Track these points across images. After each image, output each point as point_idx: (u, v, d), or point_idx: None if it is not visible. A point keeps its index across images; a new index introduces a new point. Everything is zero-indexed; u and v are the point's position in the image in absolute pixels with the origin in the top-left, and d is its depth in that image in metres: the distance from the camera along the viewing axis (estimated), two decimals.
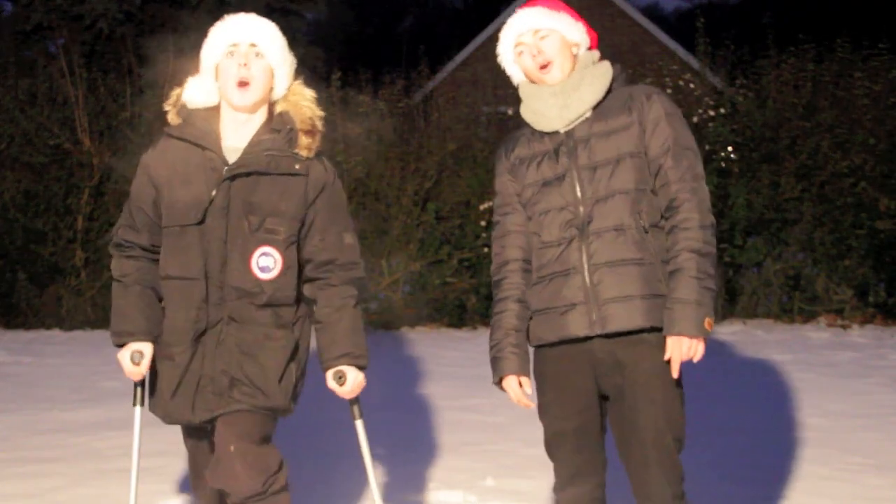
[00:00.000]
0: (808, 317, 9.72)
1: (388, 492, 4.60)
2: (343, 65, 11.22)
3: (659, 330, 3.08)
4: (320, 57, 17.08)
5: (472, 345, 8.70)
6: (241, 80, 3.14)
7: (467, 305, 9.64)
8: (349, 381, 3.24)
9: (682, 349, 3.02)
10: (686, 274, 3.01)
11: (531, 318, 3.26)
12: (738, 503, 4.65)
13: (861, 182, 9.61)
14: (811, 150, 9.72)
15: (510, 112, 10.95)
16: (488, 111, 11.31)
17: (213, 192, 3.14)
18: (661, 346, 3.07)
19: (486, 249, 9.59)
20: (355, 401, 3.32)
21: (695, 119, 10.13)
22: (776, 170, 9.71)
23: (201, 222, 3.14)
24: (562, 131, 3.18)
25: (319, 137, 3.23)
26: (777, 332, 9.26)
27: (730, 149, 9.96)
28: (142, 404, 3.30)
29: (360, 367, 3.26)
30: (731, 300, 9.79)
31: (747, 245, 9.70)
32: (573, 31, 3.23)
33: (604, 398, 3.22)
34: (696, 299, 2.99)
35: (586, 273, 3.10)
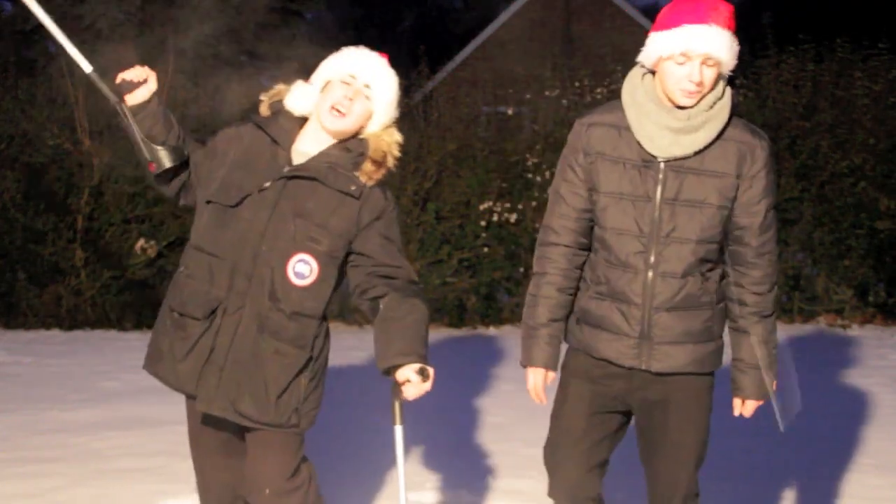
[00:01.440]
0: (808, 317, 9.73)
1: (387, 492, 4.60)
2: None
3: (705, 373, 3.14)
4: (320, 57, 17.08)
5: (472, 345, 8.70)
6: (339, 109, 3.20)
7: (467, 305, 9.64)
8: (430, 381, 3.16)
9: (749, 409, 3.18)
10: (756, 340, 3.10)
11: (577, 320, 3.19)
12: (737, 503, 4.65)
13: (861, 182, 9.61)
14: (811, 150, 9.72)
15: (510, 112, 10.96)
16: (488, 111, 11.31)
17: (266, 185, 3.18)
18: (704, 382, 3.14)
19: (486, 249, 9.59)
20: (400, 404, 3.24)
21: None
22: (776, 170, 9.71)
23: (236, 206, 3.18)
24: (660, 158, 3.03)
25: (384, 172, 3.29)
26: (777, 332, 9.25)
27: None
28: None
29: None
30: None
31: None
32: (733, 59, 3.01)
33: (625, 416, 3.23)
34: (766, 365, 3.11)
35: (646, 311, 3.06)
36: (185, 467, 5.00)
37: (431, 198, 9.66)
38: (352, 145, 3.27)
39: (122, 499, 4.60)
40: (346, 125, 3.23)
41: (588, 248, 3.18)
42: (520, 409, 6.21)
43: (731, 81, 3.08)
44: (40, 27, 14.81)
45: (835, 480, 4.91)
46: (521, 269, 9.62)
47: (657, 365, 3.07)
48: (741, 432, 5.73)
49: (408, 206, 9.51)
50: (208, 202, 3.25)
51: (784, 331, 9.26)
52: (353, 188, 3.22)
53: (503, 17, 21.78)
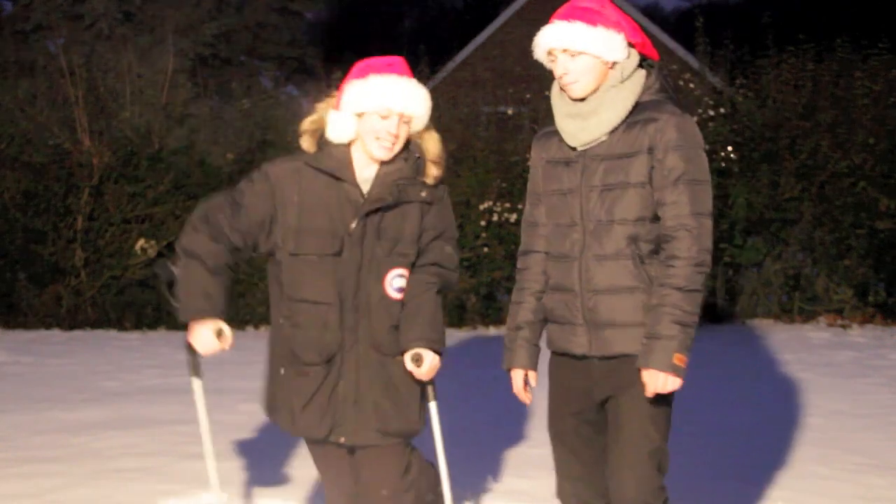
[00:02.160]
0: (808, 317, 9.73)
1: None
2: (343, 65, 11.21)
3: None
4: (320, 57, 17.09)
5: (472, 345, 8.70)
6: (388, 144, 3.27)
7: (467, 305, 9.64)
8: (426, 364, 3.32)
9: (656, 383, 3.04)
10: (664, 311, 3.02)
11: (547, 321, 3.32)
12: (737, 503, 4.65)
13: (861, 182, 9.61)
14: (811, 150, 9.72)
15: (510, 112, 10.96)
16: (488, 111, 11.32)
17: (353, 225, 3.27)
18: None
19: (486, 249, 9.59)
20: (430, 383, 3.42)
21: (694, 119, 10.13)
22: (776, 170, 9.72)
23: (339, 253, 3.27)
24: (579, 149, 3.17)
25: (443, 168, 3.41)
26: (777, 332, 9.26)
27: (730, 149, 9.96)
28: (200, 376, 3.42)
29: (437, 352, 3.36)
30: (731, 300, 9.79)
31: (747, 245, 9.71)
32: (609, 48, 3.11)
33: (603, 407, 3.25)
34: (669, 335, 3.00)
35: (584, 297, 3.15)
36: (185, 467, 5.02)
37: None
38: (404, 154, 3.35)
39: (122, 499, 4.60)
40: (395, 151, 3.31)
41: None
42: (520, 409, 6.20)
43: (646, 64, 3.21)
44: (40, 27, 14.69)
45: (834, 480, 4.91)
46: None
47: (605, 348, 3.13)
48: (741, 432, 5.74)
49: None
50: (294, 255, 3.30)
51: (784, 331, 9.30)
52: (423, 195, 3.36)
53: (503, 17, 21.78)
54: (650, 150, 3.07)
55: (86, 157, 9.54)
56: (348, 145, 3.33)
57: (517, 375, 3.33)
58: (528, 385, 3.34)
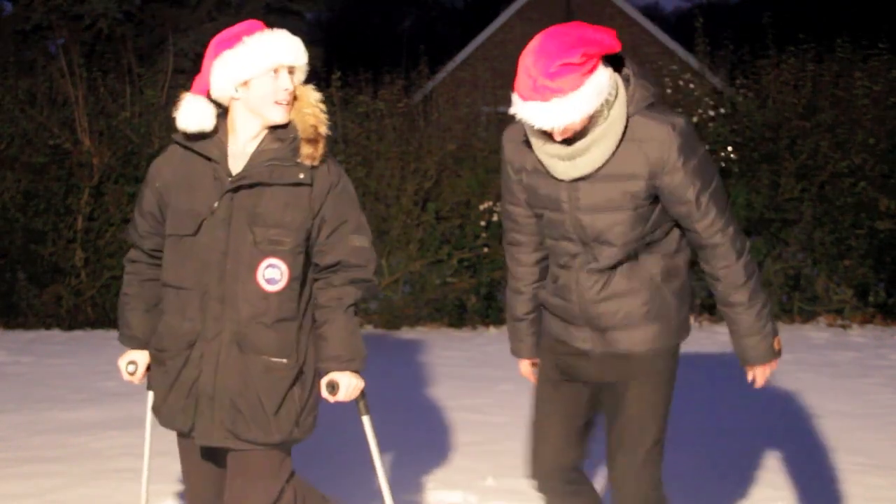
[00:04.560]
0: (808, 317, 9.72)
1: (390, 493, 4.59)
2: (343, 65, 11.21)
3: (663, 349, 3.16)
4: (320, 57, 17.08)
5: (472, 345, 8.70)
6: (285, 101, 3.11)
7: (467, 305, 9.64)
8: (342, 389, 3.19)
9: (765, 373, 3.20)
10: (740, 309, 3.10)
11: (541, 306, 3.33)
12: (737, 503, 4.65)
13: (861, 182, 9.61)
14: (811, 150, 9.72)
15: (510, 112, 10.96)
16: (488, 111, 11.31)
17: (215, 204, 3.11)
18: (663, 358, 3.15)
19: (486, 249, 9.59)
20: (361, 397, 3.29)
21: (695, 119, 10.14)
22: (776, 170, 9.71)
23: (195, 233, 3.13)
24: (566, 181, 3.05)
25: (323, 144, 3.16)
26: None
27: (730, 149, 9.96)
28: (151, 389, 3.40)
29: (355, 371, 3.22)
30: None
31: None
32: (598, 92, 2.87)
33: (596, 391, 3.26)
34: (759, 327, 3.13)
35: (584, 305, 3.13)
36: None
37: (431, 198, 9.66)
38: (281, 133, 3.14)
39: (122, 499, 4.59)
40: (289, 111, 3.14)
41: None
42: (520, 409, 6.20)
43: (617, 67, 2.99)
44: (40, 27, 14.66)
45: (835, 480, 4.91)
46: None
47: (612, 348, 3.14)
48: (741, 432, 5.73)
49: (408, 206, 9.51)
50: (167, 235, 3.20)
51: (784, 331, 9.30)
52: (301, 176, 3.12)
53: (503, 17, 21.80)
54: (652, 174, 2.97)
55: (86, 157, 9.54)
56: (223, 120, 3.16)
57: (524, 364, 3.42)
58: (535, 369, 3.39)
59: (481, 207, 9.59)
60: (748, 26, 13.47)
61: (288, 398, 3.15)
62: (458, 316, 9.62)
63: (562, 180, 3.04)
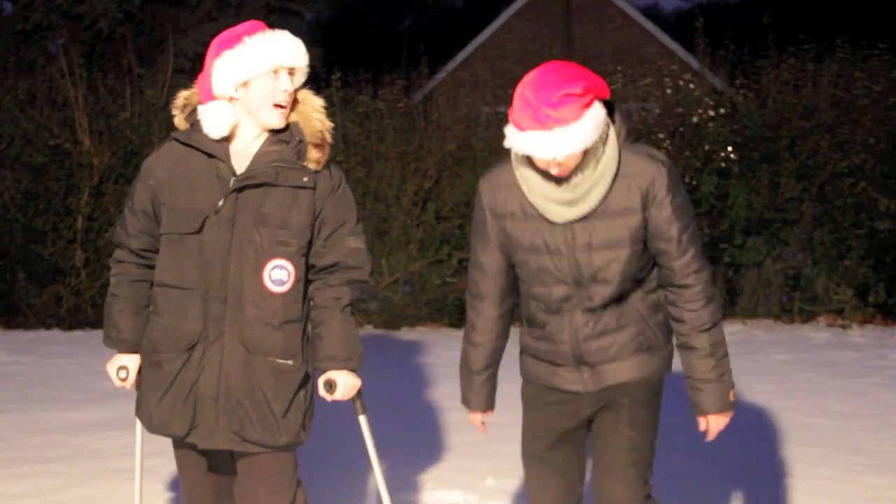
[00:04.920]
0: (808, 317, 9.73)
1: (388, 492, 4.59)
2: (343, 65, 11.21)
3: (653, 377, 3.16)
4: (320, 57, 17.09)
5: None
6: (282, 104, 3.09)
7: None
8: (339, 387, 3.20)
9: (717, 425, 3.16)
10: (701, 354, 3.08)
11: (522, 352, 3.27)
12: (737, 503, 4.65)
13: (861, 182, 9.61)
14: (811, 150, 9.72)
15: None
16: (488, 111, 11.30)
17: (220, 203, 3.09)
18: (652, 385, 3.16)
19: None
20: (358, 396, 3.29)
21: (695, 119, 10.14)
22: (776, 170, 9.72)
23: (199, 231, 3.10)
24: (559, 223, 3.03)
25: (328, 149, 3.18)
26: (777, 332, 9.26)
27: (730, 149, 9.96)
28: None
29: (352, 370, 3.22)
30: (731, 300, 9.79)
31: (747, 245, 9.70)
32: (595, 133, 2.88)
33: (587, 426, 3.26)
34: (716, 376, 3.09)
35: (575, 345, 3.11)
36: None
37: (431, 198, 9.66)
38: (285, 135, 3.14)
39: (122, 499, 4.59)
40: (288, 114, 3.13)
41: (515, 288, 3.21)
42: (520, 409, 6.20)
43: (611, 107, 3.00)
44: (40, 27, 14.71)
45: (835, 480, 4.91)
46: None
47: (602, 383, 3.13)
48: (741, 432, 5.73)
49: (408, 206, 9.51)
50: (163, 234, 3.15)
51: (784, 331, 9.30)
52: (305, 180, 3.12)
53: (503, 17, 21.79)
54: (644, 208, 2.99)
55: (86, 157, 9.54)
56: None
57: (475, 417, 3.35)
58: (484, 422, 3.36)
59: None
60: (748, 26, 13.48)
61: (295, 401, 3.15)
62: (458, 316, 9.61)
63: (555, 223, 3.02)
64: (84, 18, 16.11)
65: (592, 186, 2.95)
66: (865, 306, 9.67)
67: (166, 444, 5.61)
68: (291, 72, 3.11)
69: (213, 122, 3.11)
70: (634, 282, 3.10)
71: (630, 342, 3.10)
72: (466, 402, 3.32)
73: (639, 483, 3.15)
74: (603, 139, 2.94)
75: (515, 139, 2.91)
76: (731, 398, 3.13)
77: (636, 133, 3.09)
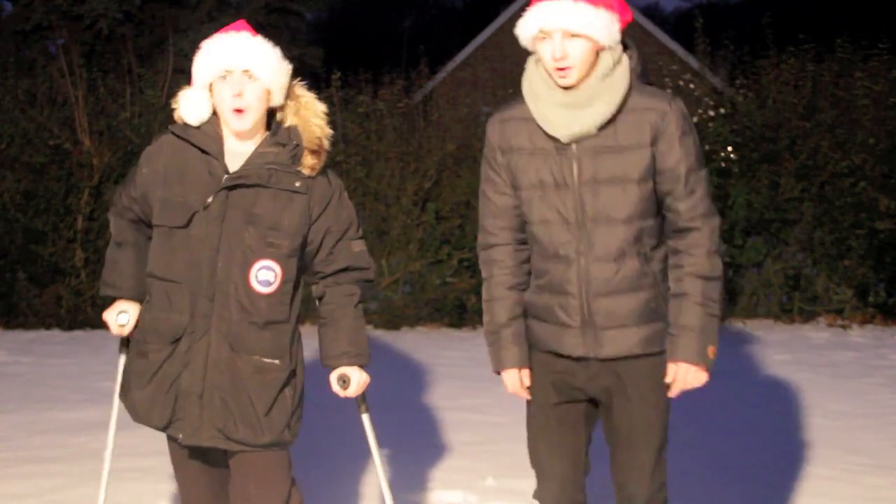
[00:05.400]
0: (808, 317, 9.73)
1: (390, 489, 4.59)
2: (343, 65, 11.22)
3: (656, 353, 3.06)
4: (320, 57, 17.09)
5: (472, 345, 8.70)
6: (236, 109, 3.07)
7: (467, 305, 9.64)
8: (353, 382, 3.22)
9: (684, 377, 3.00)
10: (691, 300, 2.96)
11: (525, 315, 3.15)
12: (738, 503, 4.65)
13: (861, 182, 9.61)
14: (811, 150, 9.72)
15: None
16: (488, 111, 11.29)
17: (209, 199, 3.08)
18: (656, 361, 3.06)
19: None
20: (362, 394, 3.31)
21: (695, 119, 10.14)
22: (776, 170, 9.72)
23: (186, 226, 3.10)
24: (564, 141, 2.98)
25: (324, 157, 3.17)
26: (777, 332, 9.26)
27: (730, 149, 9.96)
28: (125, 353, 3.34)
29: (362, 366, 3.25)
30: (731, 300, 9.79)
31: (747, 245, 9.71)
32: (608, 32, 2.92)
33: (593, 405, 3.20)
34: (700, 326, 2.96)
35: (583, 299, 3.02)
36: None
37: (431, 198, 9.66)
38: (283, 138, 3.13)
39: (122, 499, 4.59)
40: (252, 117, 3.09)
41: (527, 243, 3.14)
42: (520, 409, 6.18)
43: (626, 48, 3.03)
44: (40, 27, 14.71)
45: (835, 480, 4.91)
46: None
47: (604, 351, 3.03)
48: (741, 432, 5.73)
49: (408, 206, 9.51)
50: (155, 226, 3.16)
51: (784, 331, 9.30)
52: (297, 185, 3.12)
53: (503, 17, 21.78)
54: (653, 143, 2.95)
55: (86, 157, 9.54)
56: (218, 119, 3.15)
57: (511, 375, 3.16)
58: (524, 384, 3.18)
59: None
60: (748, 26, 13.48)
61: (279, 399, 3.14)
62: (458, 316, 9.62)
63: (561, 146, 2.97)
64: (84, 18, 16.11)
65: (594, 97, 2.93)
66: (865, 306, 9.67)
67: (166, 444, 5.61)
68: (248, 74, 3.07)
69: (187, 108, 3.15)
70: (651, 241, 3.01)
71: (642, 308, 3.00)
72: (498, 361, 3.15)
73: (655, 473, 3.10)
74: (615, 60, 2.94)
75: (524, 20, 2.96)
76: (710, 355, 2.97)
77: (648, 79, 3.07)
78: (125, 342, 3.32)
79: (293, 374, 3.18)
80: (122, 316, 3.23)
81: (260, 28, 3.27)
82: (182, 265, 3.10)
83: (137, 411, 3.22)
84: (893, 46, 10.40)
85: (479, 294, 9.63)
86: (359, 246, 3.24)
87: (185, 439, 3.16)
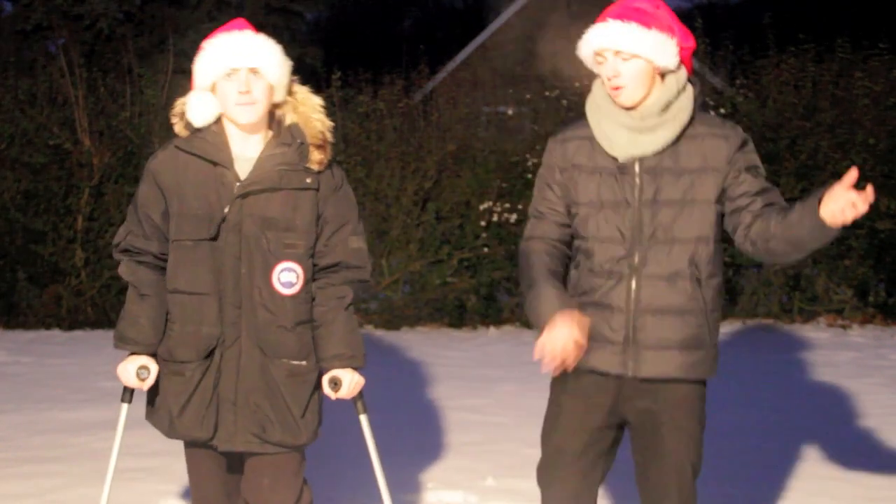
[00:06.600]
0: (808, 317, 9.73)
1: (388, 491, 4.59)
2: (343, 65, 11.21)
3: (695, 381, 3.06)
4: (320, 57, 17.10)
5: (472, 345, 8.70)
6: (243, 104, 3.08)
7: (467, 305, 9.64)
8: (344, 385, 3.22)
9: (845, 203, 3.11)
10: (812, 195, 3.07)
11: None
12: (738, 503, 4.65)
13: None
14: (811, 150, 9.72)
15: (510, 112, 10.96)
16: (488, 111, 11.32)
17: (226, 209, 3.10)
18: (695, 389, 3.07)
19: (486, 249, 9.60)
20: (359, 396, 3.31)
21: None
22: (776, 170, 9.72)
23: (215, 238, 3.11)
24: (622, 161, 3.02)
25: (330, 149, 3.20)
26: (777, 332, 9.26)
27: None
28: (129, 402, 3.33)
29: (356, 368, 3.24)
30: (731, 300, 9.80)
31: None
32: (661, 53, 2.98)
33: (620, 428, 3.17)
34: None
35: (630, 315, 3.01)
36: (185, 468, 5.01)
37: (431, 198, 9.66)
38: (286, 138, 3.15)
39: (122, 499, 4.59)
40: (259, 111, 3.10)
41: (568, 256, 3.15)
42: (520, 409, 6.20)
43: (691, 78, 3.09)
44: (40, 27, 14.70)
45: (835, 480, 4.91)
46: None
47: (644, 370, 3.01)
48: (741, 432, 5.73)
49: (408, 206, 9.51)
50: (174, 241, 3.15)
51: (784, 331, 9.29)
52: (308, 181, 3.15)
53: (503, 17, 21.79)
54: (716, 167, 2.99)
55: (86, 157, 9.54)
56: (221, 126, 3.15)
57: (558, 326, 2.94)
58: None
59: (481, 207, 9.59)
60: (748, 26, 13.47)
61: (311, 401, 3.20)
62: (458, 316, 9.62)
63: (623, 165, 3.00)
64: (84, 18, 16.12)
65: (660, 125, 2.99)
66: (865, 306, 9.67)
67: (166, 443, 5.60)
68: (254, 71, 3.08)
69: (196, 111, 3.14)
70: (707, 267, 3.01)
71: (687, 332, 2.99)
72: (546, 311, 2.97)
73: (691, 496, 3.11)
74: (679, 87, 3.01)
75: (587, 35, 3.02)
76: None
77: (706, 109, 3.15)
78: (130, 391, 3.30)
79: (319, 373, 3.22)
80: (142, 371, 3.19)
81: (260, 28, 3.27)
82: (208, 276, 3.12)
83: (178, 429, 3.20)
84: (893, 46, 10.39)
85: (478, 294, 9.67)
86: (357, 242, 3.23)
87: (221, 445, 3.17)
